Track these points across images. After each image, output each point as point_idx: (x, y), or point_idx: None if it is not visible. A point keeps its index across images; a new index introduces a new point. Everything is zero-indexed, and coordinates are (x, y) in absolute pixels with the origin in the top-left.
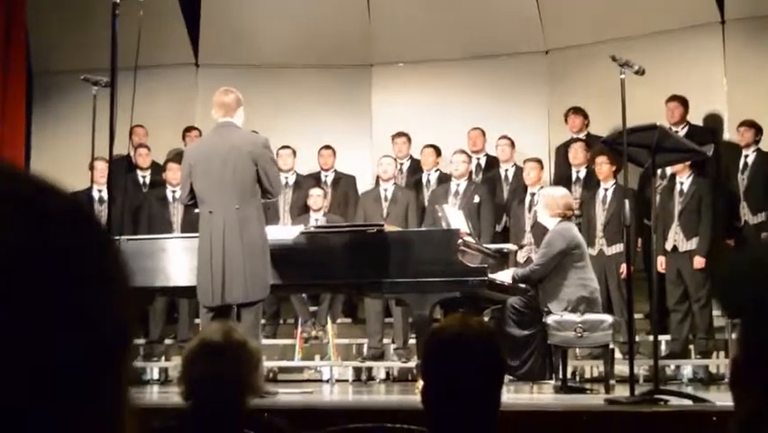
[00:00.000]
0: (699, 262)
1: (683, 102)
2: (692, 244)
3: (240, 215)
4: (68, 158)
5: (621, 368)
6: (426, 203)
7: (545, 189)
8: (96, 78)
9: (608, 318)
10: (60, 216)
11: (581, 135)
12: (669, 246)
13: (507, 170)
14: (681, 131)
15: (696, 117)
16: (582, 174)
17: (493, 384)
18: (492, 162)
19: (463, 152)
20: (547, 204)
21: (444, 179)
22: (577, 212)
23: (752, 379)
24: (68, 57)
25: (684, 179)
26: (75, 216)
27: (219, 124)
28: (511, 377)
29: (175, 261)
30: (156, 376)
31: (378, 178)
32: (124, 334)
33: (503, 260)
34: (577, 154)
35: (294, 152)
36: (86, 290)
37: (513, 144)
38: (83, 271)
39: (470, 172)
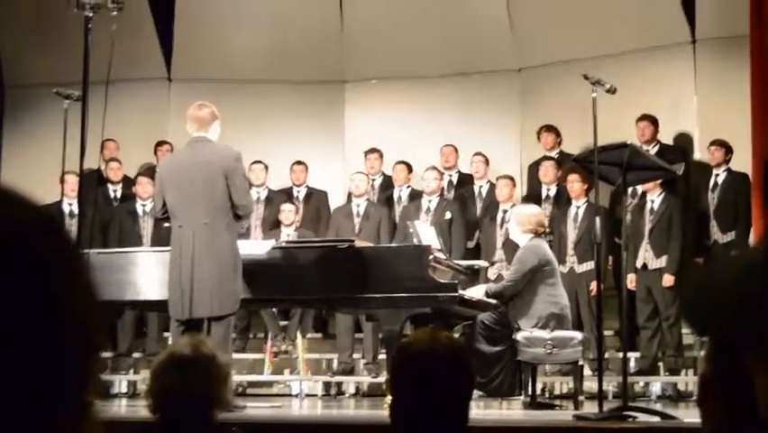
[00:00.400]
0: (668, 280)
1: (653, 121)
2: (662, 261)
3: (208, 229)
4: (39, 171)
5: (590, 385)
6: (398, 219)
7: (517, 207)
8: (67, 91)
9: (578, 335)
10: (27, 225)
11: (554, 153)
12: (639, 264)
13: (480, 187)
14: (652, 149)
15: (666, 136)
16: (553, 192)
17: (462, 398)
18: (464, 179)
19: (435, 168)
20: (519, 221)
21: (416, 195)
22: (547, 229)
23: (720, 396)
24: (41, 70)
25: (655, 198)
26: (41, 223)
27: (193, 139)
28: (480, 393)
29: (145, 274)
30: (124, 390)
31: (350, 194)
32: (89, 337)
33: (474, 276)
34: (547, 172)
35: (266, 167)
36: (52, 294)
37: (487, 161)
38: (47, 275)
39: (442, 189)
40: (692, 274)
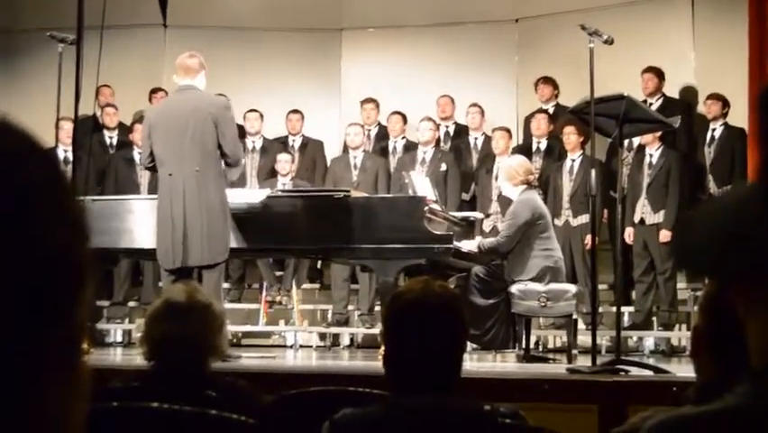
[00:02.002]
0: (665, 235)
1: (659, 73)
2: (659, 216)
3: (199, 177)
4: (33, 117)
5: (584, 339)
6: (392, 170)
7: (503, 162)
8: (62, 35)
9: (572, 289)
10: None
11: (550, 105)
12: (636, 218)
13: (476, 139)
14: (656, 102)
15: (665, 90)
16: (543, 145)
17: (455, 348)
18: (460, 130)
19: (430, 119)
20: (508, 174)
21: (411, 146)
22: (535, 183)
23: (713, 348)
24: (34, 14)
25: (653, 151)
26: (25, 147)
27: (181, 87)
28: (474, 345)
29: (141, 222)
30: (119, 338)
31: (346, 145)
32: (76, 259)
33: (469, 228)
34: (539, 125)
35: (261, 116)
36: (36, 218)
37: (483, 113)
38: (33, 199)
39: (438, 140)
40: (684, 217)
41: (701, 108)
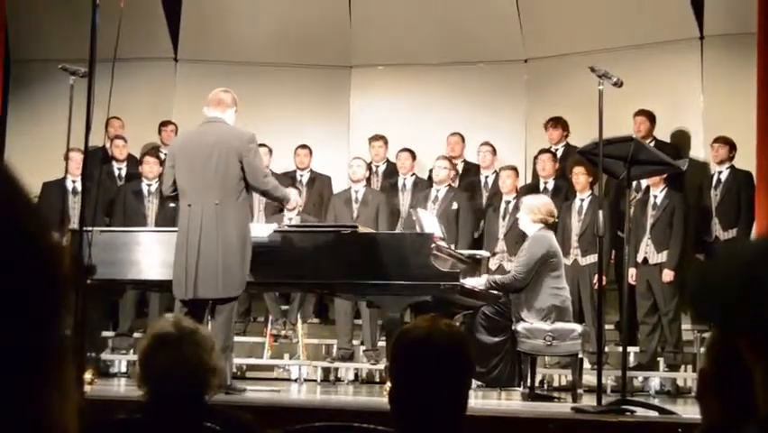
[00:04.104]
0: (668, 275)
1: (650, 117)
2: (662, 256)
3: (219, 210)
4: (44, 147)
5: (589, 378)
6: (403, 207)
7: (528, 197)
8: (74, 67)
9: (578, 328)
10: None
11: (560, 147)
12: (640, 258)
13: (487, 177)
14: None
15: (671, 132)
16: (551, 186)
17: (460, 386)
18: (470, 168)
19: (446, 158)
20: (530, 209)
21: (420, 183)
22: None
23: (719, 391)
24: (47, 46)
25: (658, 192)
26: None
27: (208, 119)
28: (479, 383)
29: (148, 254)
30: (124, 369)
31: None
32: (51, 295)
33: (475, 266)
34: (545, 166)
35: (270, 151)
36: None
37: (495, 151)
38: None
39: (452, 178)
40: (699, 264)
41: (701, 152)
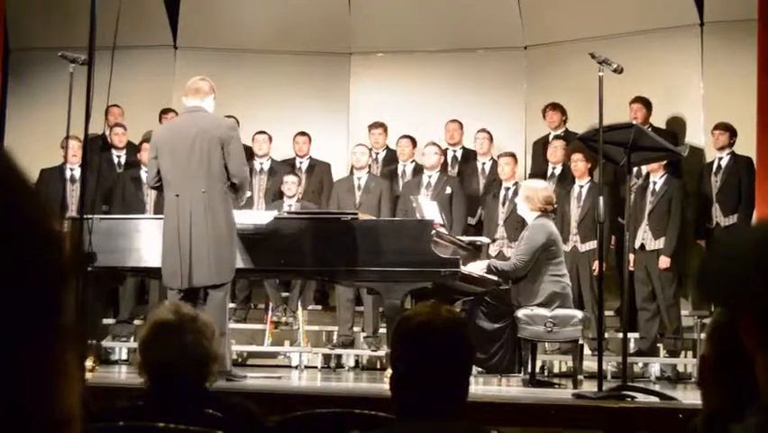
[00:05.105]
0: (664, 261)
1: (647, 104)
2: (660, 243)
3: (206, 198)
4: (43, 134)
5: (589, 364)
6: (399, 194)
7: (527, 182)
8: (73, 55)
9: (578, 314)
10: None
11: (559, 132)
12: (637, 244)
13: (484, 164)
14: None
15: (666, 119)
16: (558, 171)
17: (461, 372)
18: (468, 155)
19: (435, 143)
20: (528, 196)
21: (420, 170)
22: (552, 213)
23: (720, 377)
24: (46, 34)
25: (657, 179)
26: None
27: (189, 108)
28: (480, 369)
29: (147, 241)
30: (125, 356)
31: (352, 166)
32: (51, 276)
33: (476, 252)
34: (556, 152)
35: (270, 138)
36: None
37: (491, 138)
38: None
39: (445, 164)
40: (709, 246)
41: (701, 138)
